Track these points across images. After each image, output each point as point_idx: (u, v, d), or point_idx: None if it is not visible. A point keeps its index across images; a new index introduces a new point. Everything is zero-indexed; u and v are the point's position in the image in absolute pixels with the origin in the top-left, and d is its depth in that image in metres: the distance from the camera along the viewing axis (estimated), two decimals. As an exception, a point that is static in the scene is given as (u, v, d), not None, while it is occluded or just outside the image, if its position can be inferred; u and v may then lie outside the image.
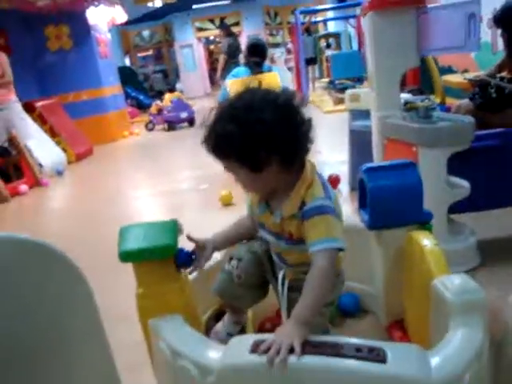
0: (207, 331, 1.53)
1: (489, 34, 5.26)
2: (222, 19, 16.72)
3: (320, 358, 0.93)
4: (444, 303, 1.14)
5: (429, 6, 2.20)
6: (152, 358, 1.36)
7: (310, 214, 1.19)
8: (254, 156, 1.15)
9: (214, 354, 1.06)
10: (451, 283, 1.17)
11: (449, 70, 5.89)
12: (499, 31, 3.19)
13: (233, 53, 4.56)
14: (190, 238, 1.36)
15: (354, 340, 0.98)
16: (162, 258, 1.26)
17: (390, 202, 1.52)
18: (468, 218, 2.32)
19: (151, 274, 1.28)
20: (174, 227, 1.32)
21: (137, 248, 1.25)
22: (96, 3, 7.87)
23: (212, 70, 17.29)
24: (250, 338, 1.04)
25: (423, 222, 1.54)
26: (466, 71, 5.69)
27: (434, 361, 0.95)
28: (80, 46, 8.02)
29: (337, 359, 0.92)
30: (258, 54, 4.31)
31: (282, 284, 1.34)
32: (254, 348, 0.98)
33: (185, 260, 1.32)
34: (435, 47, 2.21)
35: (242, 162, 1.17)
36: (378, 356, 0.92)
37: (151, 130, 9.30)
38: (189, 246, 1.37)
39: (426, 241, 1.40)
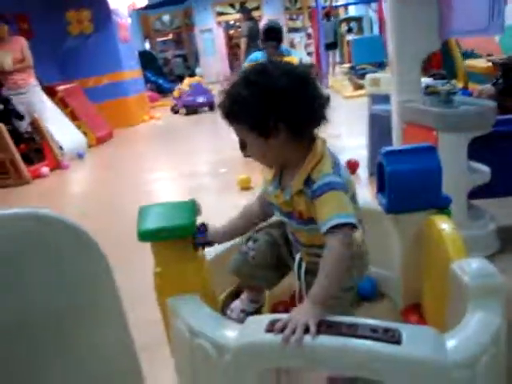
0: (223, 310, 1.55)
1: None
2: (242, 3, 16.59)
3: (335, 337, 0.94)
4: (462, 287, 1.14)
5: (452, -13, 2.15)
6: (169, 337, 1.39)
7: (319, 193, 1.16)
8: (262, 120, 1.15)
9: (230, 332, 1.07)
10: (469, 267, 1.16)
11: (471, 54, 5.78)
12: None
13: (254, 37, 4.52)
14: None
15: (370, 321, 0.98)
16: (180, 237, 1.28)
17: (409, 186, 1.51)
18: (488, 203, 2.29)
19: (169, 254, 1.30)
20: (192, 207, 1.34)
21: (155, 227, 1.27)
22: (117, -13, 7.88)
23: (232, 54, 17.21)
24: (265, 318, 1.05)
25: (442, 206, 1.53)
26: (489, 55, 5.58)
27: (450, 343, 0.95)
28: (101, 31, 8.06)
29: (352, 339, 0.93)
30: (273, 38, 4.30)
31: (299, 267, 1.35)
32: (270, 327, 0.99)
33: (203, 240, 1.33)
34: (457, 30, 2.17)
35: (251, 125, 1.17)
36: (393, 337, 0.92)
37: (176, 112, 9.33)
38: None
39: (444, 225, 1.39)
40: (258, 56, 4.21)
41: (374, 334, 0.93)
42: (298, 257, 1.36)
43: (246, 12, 6.83)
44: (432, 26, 2.11)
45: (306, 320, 0.98)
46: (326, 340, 0.94)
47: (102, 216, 3.59)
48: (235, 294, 1.64)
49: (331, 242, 1.12)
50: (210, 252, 1.52)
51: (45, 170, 5.41)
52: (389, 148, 1.61)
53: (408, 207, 1.54)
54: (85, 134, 6.83)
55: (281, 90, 1.13)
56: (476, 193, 2.10)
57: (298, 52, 4.70)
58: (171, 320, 1.29)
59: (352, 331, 0.94)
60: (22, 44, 5.64)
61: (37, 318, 0.93)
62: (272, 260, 1.42)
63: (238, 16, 17.71)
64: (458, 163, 1.96)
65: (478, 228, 2.09)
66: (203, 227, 1.35)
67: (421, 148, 1.58)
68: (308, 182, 1.19)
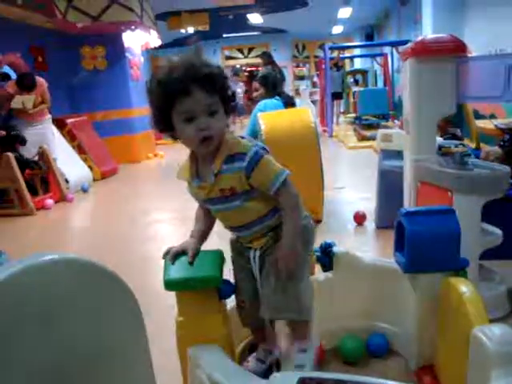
0: (240, 363, 1.55)
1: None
2: (250, 49, 17.04)
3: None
4: (485, 353, 1.15)
5: (469, 55, 2.24)
6: (186, 386, 1.38)
7: (252, 168, 1.29)
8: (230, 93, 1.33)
9: (256, 387, 1.08)
10: (492, 333, 1.18)
11: (476, 115, 5.92)
12: None
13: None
14: (166, 255, 1.40)
15: (397, 383, 0.99)
16: (206, 288, 1.30)
17: (428, 247, 1.54)
18: (498, 265, 2.31)
19: (194, 304, 1.31)
20: (219, 257, 1.36)
21: (181, 277, 1.29)
22: (133, 27, 8.08)
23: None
24: (293, 375, 1.05)
25: (459, 268, 1.56)
26: (492, 116, 5.71)
27: (478, 412, 0.96)
28: (114, 67, 8.23)
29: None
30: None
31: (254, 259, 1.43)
32: (301, 385, 1.00)
33: (229, 292, 1.35)
34: (473, 95, 2.25)
35: (223, 97, 1.30)
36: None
37: None
38: (230, 276, 1.41)
39: (464, 288, 1.41)
40: (276, 104, 4.23)
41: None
42: (251, 254, 1.43)
43: (267, 56, 6.81)
44: (450, 89, 2.18)
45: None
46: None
47: (108, 254, 3.57)
48: (250, 347, 1.64)
49: (283, 197, 1.34)
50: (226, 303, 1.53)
51: (49, 201, 5.42)
52: (409, 208, 1.65)
53: (426, 267, 1.56)
54: (90, 167, 6.88)
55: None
56: (486, 254, 2.12)
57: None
58: (191, 369, 1.29)
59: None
60: (43, 88, 5.83)
61: (72, 363, 0.94)
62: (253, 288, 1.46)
63: (244, 61, 18.23)
64: (472, 225, 1.99)
65: (489, 289, 2.10)
66: (233, 288, 1.38)
67: (440, 210, 1.62)
68: (232, 157, 1.30)
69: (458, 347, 1.34)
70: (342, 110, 13.41)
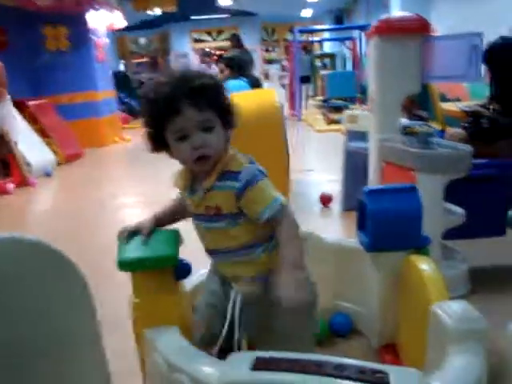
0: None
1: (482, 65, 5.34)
2: (219, 32, 16.85)
3: (324, 378, 0.92)
4: (443, 329, 1.14)
5: (433, 35, 2.24)
6: (144, 369, 1.34)
7: (245, 190, 1.19)
8: (227, 107, 1.24)
9: (212, 368, 1.04)
10: (451, 310, 1.17)
11: (442, 98, 5.96)
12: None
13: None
14: (121, 234, 1.34)
15: (357, 362, 0.97)
16: (161, 268, 1.25)
17: (390, 225, 1.53)
18: (460, 244, 2.33)
19: (149, 285, 1.27)
20: (175, 237, 1.31)
21: (136, 257, 1.24)
22: (97, 7, 7.84)
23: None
24: (250, 355, 1.02)
25: (421, 246, 1.56)
26: (458, 100, 5.76)
27: (435, 387, 0.95)
28: (77, 49, 7.96)
29: (340, 380, 0.91)
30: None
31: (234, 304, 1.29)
32: (257, 365, 0.97)
33: (186, 272, 1.31)
34: (437, 75, 2.24)
35: (219, 112, 1.21)
36: (381, 379, 0.91)
37: None
38: (188, 257, 1.37)
39: (425, 265, 1.40)
40: (242, 85, 4.18)
41: (363, 375, 0.92)
42: (233, 291, 1.30)
43: (236, 39, 6.74)
44: (414, 68, 2.18)
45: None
46: (313, 380, 0.92)
47: (68, 239, 3.47)
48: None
49: (277, 223, 1.20)
50: (187, 284, 1.49)
51: (10, 186, 5.26)
52: (371, 187, 1.64)
53: (388, 246, 1.56)
54: (54, 151, 6.68)
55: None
56: (448, 233, 2.14)
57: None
58: (148, 352, 1.25)
59: (340, 372, 0.93)
60: None
61: (17, 347, 0.89)
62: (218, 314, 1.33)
63: (213, 44, 18.04)
64: (435, 204, 1.99)
65: (451, 268, 2.12)
66: (189, 268, 1.33)
67: (402, 188, 1.61)
68: (226, 175, 1.21)
69: (418, 325, 1.34)
70: (311, 94, 13.38)
